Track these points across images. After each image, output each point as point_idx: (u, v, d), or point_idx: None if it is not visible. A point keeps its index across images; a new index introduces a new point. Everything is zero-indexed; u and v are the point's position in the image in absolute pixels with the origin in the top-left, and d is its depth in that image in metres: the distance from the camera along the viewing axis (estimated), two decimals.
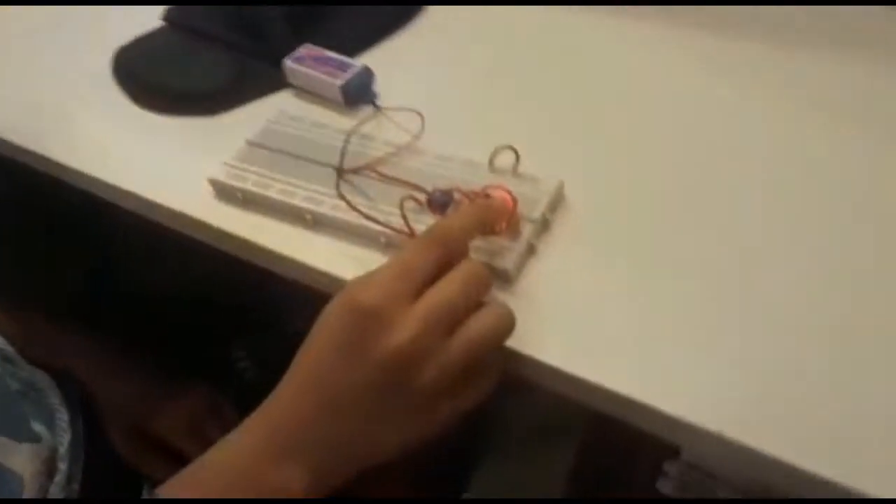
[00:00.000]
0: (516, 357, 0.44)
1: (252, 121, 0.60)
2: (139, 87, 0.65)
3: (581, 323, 0.45)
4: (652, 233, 0.50)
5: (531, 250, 0.49)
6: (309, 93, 0.63)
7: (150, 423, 0.72)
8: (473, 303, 0.42)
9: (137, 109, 0.64)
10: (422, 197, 0.50)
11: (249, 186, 0.54)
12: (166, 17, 0.71)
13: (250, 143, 0.58)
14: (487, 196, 0.48)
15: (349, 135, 0.56)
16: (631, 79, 0.61)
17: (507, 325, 0.42)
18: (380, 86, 0.63)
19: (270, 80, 0.64)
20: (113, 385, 0.70)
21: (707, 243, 0.48)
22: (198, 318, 0.78)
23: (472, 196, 0.49)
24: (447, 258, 0.43)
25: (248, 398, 0.45)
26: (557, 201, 0.52)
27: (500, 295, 0.47)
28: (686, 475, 0.55)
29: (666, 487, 0.56)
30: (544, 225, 0.51)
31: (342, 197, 0.51)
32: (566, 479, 0.75)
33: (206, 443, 0.44)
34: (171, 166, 0.60)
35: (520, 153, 0.52)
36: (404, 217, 0.49)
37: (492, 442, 0.76)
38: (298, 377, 0.43)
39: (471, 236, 0.44)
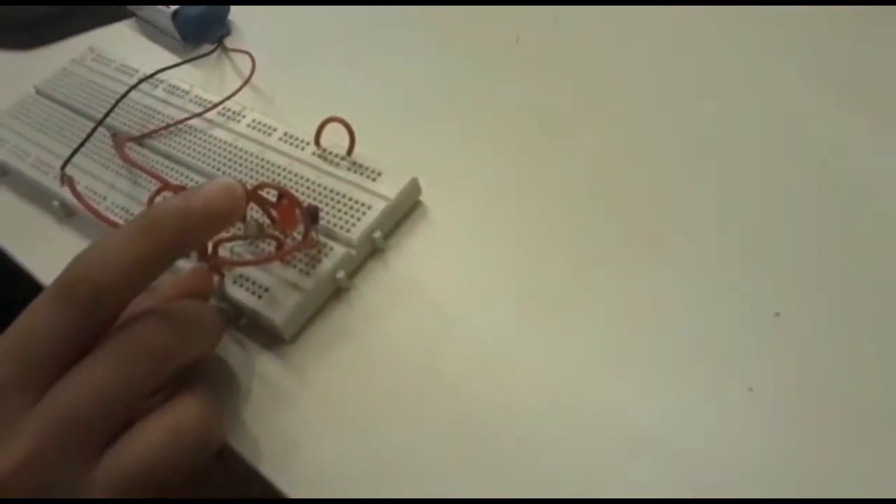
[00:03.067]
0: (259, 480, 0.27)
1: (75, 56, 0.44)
2: None
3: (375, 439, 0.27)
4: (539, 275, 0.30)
5: (337, 290, 0.31)
6: (150, 24, 0.46)
7: None
8: (145, 392, 0.24)
9: None
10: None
11: (3, 154, 0.38)
12: None
13: (38, 92, 0.42)
14: (261, 199, 0.30)
15: (137, 82, 0.38)
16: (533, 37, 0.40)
17: (200, 437, 0.24)
18: (248, 16, 0.45)
19: (113, 6, 0.47)
20: None
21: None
22: None
23: (249, 195, 0.31)
24: (112, 311, 0.25)
25: None
26: (402, 213, 0.33)
27: (262, 365, 0.29)
28: None
29: None
30: (371, 251, 0.32)
31: (66, 180, 0.33)
32: None
33: None
34: None
35: (369, 131, 0.33)
36: None
37: None
38: None
39: (165, 264, 0.26)
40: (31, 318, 0.24)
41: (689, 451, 0.24)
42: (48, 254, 0.35)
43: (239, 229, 0.31)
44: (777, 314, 0.27)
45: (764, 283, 0.28)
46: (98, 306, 0.24)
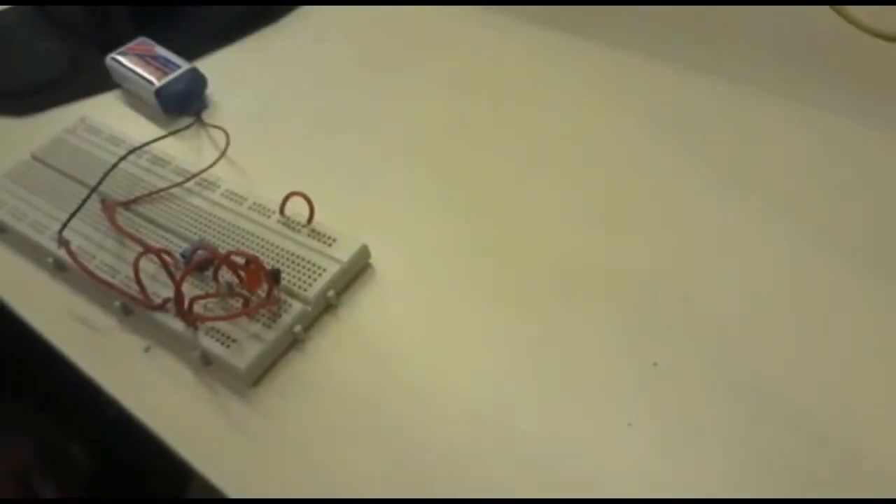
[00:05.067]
0: None
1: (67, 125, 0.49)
2: None
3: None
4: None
5: (294, 341, 0.36)
6: (135, 96, 0.52)
7: None
8: None
9: None
10: (176, 252, 0.38)
11: (2, 214, 0.43)
12: None
13: (34, 158, 0.47)
14: (232, 262, 0.35)
15: (126, 155, 0.43)
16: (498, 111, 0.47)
17: None
18: (224, 93, 0.50)
19: (102, 77, 0.53)
20: None
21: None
22: None
23: (222, 259, 0.36)
24: None
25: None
26: (353, 274, 0.38)
27: (229, 404, 0.34)
28: None
29: None
30: (325, 308, 0.37)
31: (63, 242, 0.39)
32: None
33: None
34: None
35: (327, 197, 0.39)
36: (138, 280, 0.36)
37: None
38: None
39: None
40: None
41: (573, 474, 0.30)
42: (43, 304, 0.40)
43: (212, 288, 0.36)
44: (655, 364, 0.33)
45: (645, 338, 0.34)
46: None
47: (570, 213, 0.40)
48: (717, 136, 0.43)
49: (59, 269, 0.41)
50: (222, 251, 0.37)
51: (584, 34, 0.50)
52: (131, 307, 0.38)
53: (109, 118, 0.49)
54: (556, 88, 0.47)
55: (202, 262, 0.36)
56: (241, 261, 0.36)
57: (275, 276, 0.35)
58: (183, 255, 0.38)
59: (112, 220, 0.40)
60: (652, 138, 0.43)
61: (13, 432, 0.64)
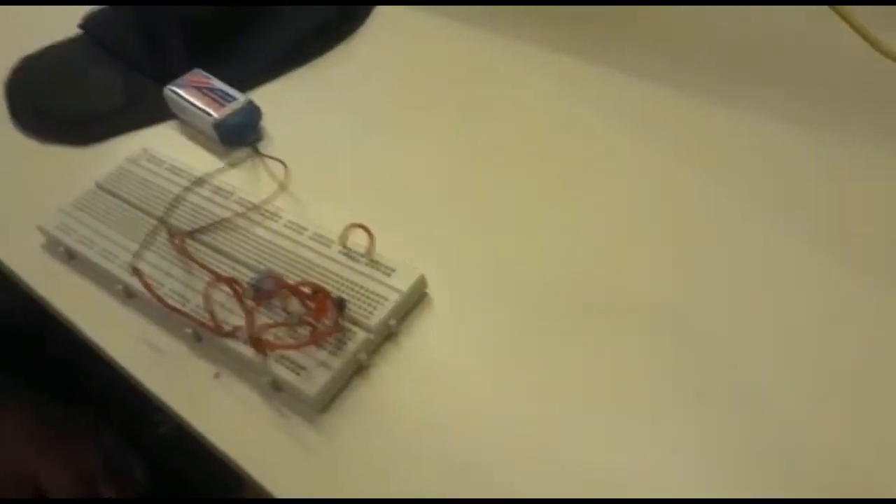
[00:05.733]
0: None
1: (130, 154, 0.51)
2: (23, 107, 0.58)
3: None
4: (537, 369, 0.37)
5: (359, 368, 0.38)
6: (192, 127, 0.54)
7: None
8: None
9: (13, 131, 0.57)
10: (245, 281, 0.40)
11: (72, 242, 0.45)
12: (83, 25, 0.63)
13: (99, 186, 0.49)
14: (300, 292, 0.37)
15: (190, 186, 0.45)
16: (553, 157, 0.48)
17: None
18: (277, 123, 0.52)
19: (160, 108, 0.55)
20: None
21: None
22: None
23: (290, 289, 0.38)
24: None
25: None
26: (411, 303, 0.40)
27: (299, 429, 0.36)
28: None
29: None
30: (386, 335, 0.39)
31: (136, 272, 0.41)
32: None
33: None
34: (13, 205, 0.51)
35: (383, 227, 0.41)
36: (209, 308, 0.38)
37: None
38: None
39: None
40: None
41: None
42: (113, 330, 0.42)
43: (279, 316, 0.38)
44: (698, 393, 0.34)
45: (689, 367, 0.36)
46: None
47: (615, 245, 0.42)
48: (747, 163, 0.44)
49: (128, 295, 0.43)
50: (289, 281, 0.39)
51: (609, 60, 0.52)
52: (201, 334, 0.40)
53: (168, 148, 0.51)
54: (589, 114, 0.49)
55: (272, 291, 0.38)
56: (308, 290, 0.38)
57: (340, 306, 0.37)
58: (251, 284, 0.39)
59: (181, 250, 0.42)
60: (684, 166, 0.44)
61: (80, 440, 0.66)
